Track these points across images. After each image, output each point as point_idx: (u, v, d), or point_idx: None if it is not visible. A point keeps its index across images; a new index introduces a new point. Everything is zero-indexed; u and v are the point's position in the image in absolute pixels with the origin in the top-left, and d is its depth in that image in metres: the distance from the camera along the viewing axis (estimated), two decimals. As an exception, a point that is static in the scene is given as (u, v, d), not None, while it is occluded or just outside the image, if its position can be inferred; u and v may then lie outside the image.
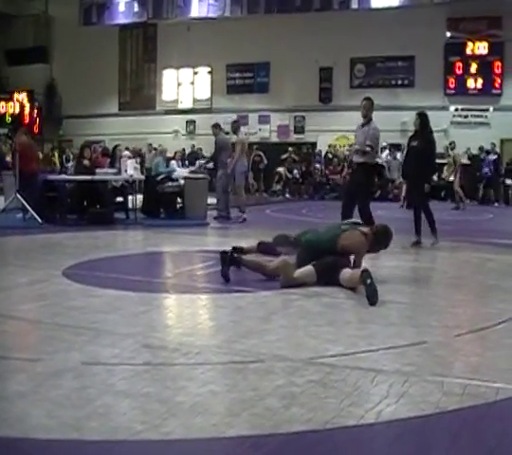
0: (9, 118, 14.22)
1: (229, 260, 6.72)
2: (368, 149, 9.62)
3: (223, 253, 6.78)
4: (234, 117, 25.93)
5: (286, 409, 3.23)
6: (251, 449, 2.86)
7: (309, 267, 6.40)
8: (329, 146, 25.15)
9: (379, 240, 6.86)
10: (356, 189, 9.88)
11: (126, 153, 18.82)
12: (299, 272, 6.41)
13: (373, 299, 5.62)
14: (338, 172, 24.16)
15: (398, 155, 23.17)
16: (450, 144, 21.13)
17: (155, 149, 20.30)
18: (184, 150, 25.45)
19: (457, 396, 3.43)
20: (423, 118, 9.99)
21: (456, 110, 24.07)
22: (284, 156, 25.08)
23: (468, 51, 24.01)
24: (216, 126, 14.36)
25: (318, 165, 25.11)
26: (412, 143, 10.12)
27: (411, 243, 9.58)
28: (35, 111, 15.12)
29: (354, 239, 6.68)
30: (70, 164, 14.55)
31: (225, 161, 13.74)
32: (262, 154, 25.75)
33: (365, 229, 6.93)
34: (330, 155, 24.88)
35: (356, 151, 10.02)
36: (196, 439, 2.92)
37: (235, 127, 14.48)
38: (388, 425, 3.08)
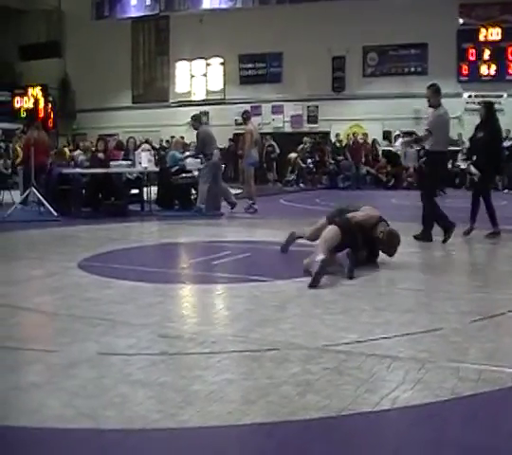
0: (23, 113, 14.31)
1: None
2: (425, 133, 9.19)
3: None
4: (247, 107, 26.04)
5: (302, 396, 3.24)
6: (267, 436, 2.87)
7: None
8: (336, 135, 25.02)
9: (385, 240, 6.96)
10: (424, 179, 9.53)
11: (146, 145, 18.88)
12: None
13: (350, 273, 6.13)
14: (382, 167, 23.49)
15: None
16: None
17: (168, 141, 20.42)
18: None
19: (472, 382, 3.42)
20: (488, 108, 9.78)
21: (469, 97, 23.87)
22: (301, 147, 24.99)
23: (481, 37, 23.81)
24: (195, 119, 14.04)
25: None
26: (478, 134, 9.83)
27: (464, 230, 9.34)
28: (49, 105, 15.22)
29: (368, 212, 7.05)
30: (81, 158, 14.55)
31: (209, 153, 13.26)
32: (274, 143, 25.70)
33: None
34: (338, 144, 24.73)
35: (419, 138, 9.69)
36: (212, 427, 2.93)
37: (245, 117, 14.39)
38: (403, 411, 3.09)
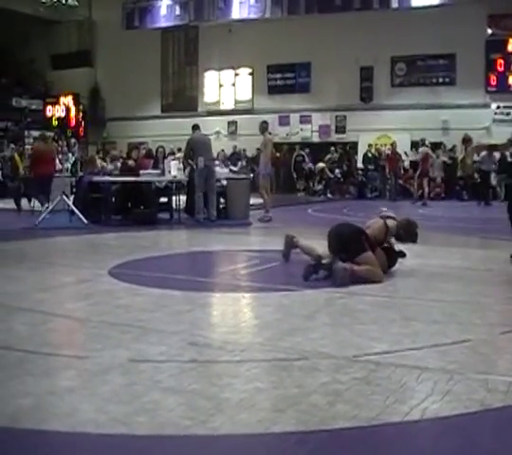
0: (55, 121, 14.47)
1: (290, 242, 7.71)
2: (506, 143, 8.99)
3: (287, 237, 7.82)
4: (275, 117, 26.12)
5: (331, 405, 3.26)
6: (297, 445, 2.88)
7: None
8: (369, 145, 24.92)
9: (403, 233, 7.18)
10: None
11: (180, 154, 18.98)
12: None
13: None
14: (410, 177, 23.08)
15: (440, 154, 22.94)
16: (421, 140, 21.59)
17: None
18: (223, 151, 25.51)
19: (502, 394, 3.42)
20: None
21: (498, 107, 23.75)
22: (328, 157, 24.96)
23: (510, 48, 23.68)
24: (193, 127, 13.95)
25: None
26: None
27: None
28: (80, 114, 15.37)
29: (374, 227, 7.08)
30: (110, 167, 14.71)
31: (194, 161, 13.14)
32: (304, 153, 25.76)
33: (391, 222, 7.15)
34: (370, 154, 24.61)
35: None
36: (242, 434, 2.95)
37: (264, 128, 14.38)
38: (432, 422, 3.09)
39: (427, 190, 20.45)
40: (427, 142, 21.51)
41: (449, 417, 3.13)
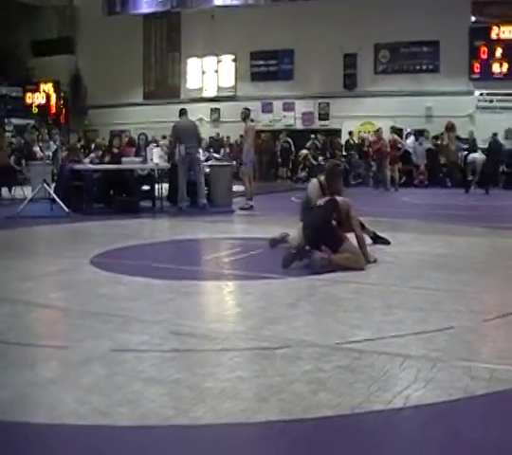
0: (35, 109, 14.35)
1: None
2: None
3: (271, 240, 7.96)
4: (258, 104, 26.03)
5: (314, 394, 3.25)
6: (280, 434, 2.87)
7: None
8: (350, 133, 24.82)
9: (331, 177, 7.49)
10: None
11: (164, 142, 18.89)
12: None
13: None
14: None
15: (424, 141, 22.95)
16: (391, 128, 21.86)
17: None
18: (209, 138, 25.43)
19: (485, 381, 3.42)
20: None
21: (481, 95, 23.78)
22: (309, 143, 24.90)
23: (493, 35, 23.68)
24: (180, 113, 13.77)
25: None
26: None
27: None
28: (61, 101, 15.23)
29: (314, 193, 7.54)
30: (92, 155, 14.61)
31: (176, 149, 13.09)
32: (290, 140, 25.65)
33: (319, 176, 7.69)
34: (351, 142, 24.49)
35: None
36: (225, 424, 2.94)
37: (246, 115, 14.29)
38: (416, 409, 3.09)
39: (397, 176, 20.88)
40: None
41: (433, 404, 3.14)
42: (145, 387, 3.34)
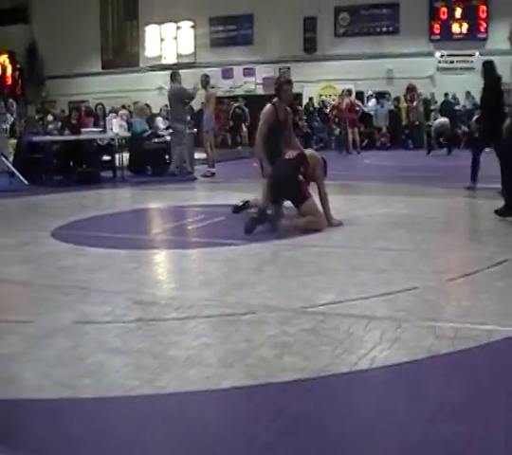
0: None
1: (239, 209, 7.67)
2: None
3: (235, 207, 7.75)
4: (218, 70, 25.73)
5: (280, 358, 3.24)
6: (246, 399, 2.87)
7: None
8: (310, 99, 24.71)
9: (280, 88, 7.58)
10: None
11: (124, 111, 18.58)
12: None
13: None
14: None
15: (385, 104, 22.96)
16: (347, 91, 21.67)
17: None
18: (167, 106, 25.02)
19: (450, 340, 3.44)
20: (484, 67, 9.79)
21: (442, 56, 23.72)
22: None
23: (453, -4, 23.60)
24: (170, 78, 13.46)
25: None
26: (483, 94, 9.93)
27: (465, 186, 9.60)
28: (17, 73, 14.93)
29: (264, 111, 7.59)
30: (50, 126, 14.36)
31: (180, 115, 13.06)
32: (244, 106, 25.32)
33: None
34: (310, 108, 24.39)
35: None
36: (191, 392, 2.92)
37: (206, 82, 14.03)
38: (382, 370, 3.09)
39: (358, 138, 21.03)
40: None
41: (398, 365, 3.14)
42: (109, 357, 3.31)
